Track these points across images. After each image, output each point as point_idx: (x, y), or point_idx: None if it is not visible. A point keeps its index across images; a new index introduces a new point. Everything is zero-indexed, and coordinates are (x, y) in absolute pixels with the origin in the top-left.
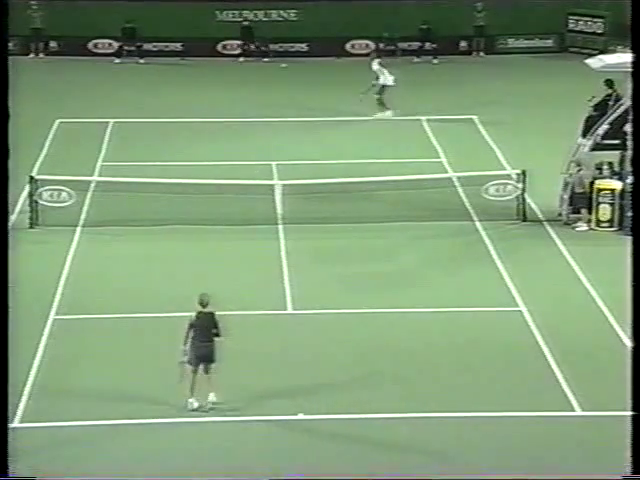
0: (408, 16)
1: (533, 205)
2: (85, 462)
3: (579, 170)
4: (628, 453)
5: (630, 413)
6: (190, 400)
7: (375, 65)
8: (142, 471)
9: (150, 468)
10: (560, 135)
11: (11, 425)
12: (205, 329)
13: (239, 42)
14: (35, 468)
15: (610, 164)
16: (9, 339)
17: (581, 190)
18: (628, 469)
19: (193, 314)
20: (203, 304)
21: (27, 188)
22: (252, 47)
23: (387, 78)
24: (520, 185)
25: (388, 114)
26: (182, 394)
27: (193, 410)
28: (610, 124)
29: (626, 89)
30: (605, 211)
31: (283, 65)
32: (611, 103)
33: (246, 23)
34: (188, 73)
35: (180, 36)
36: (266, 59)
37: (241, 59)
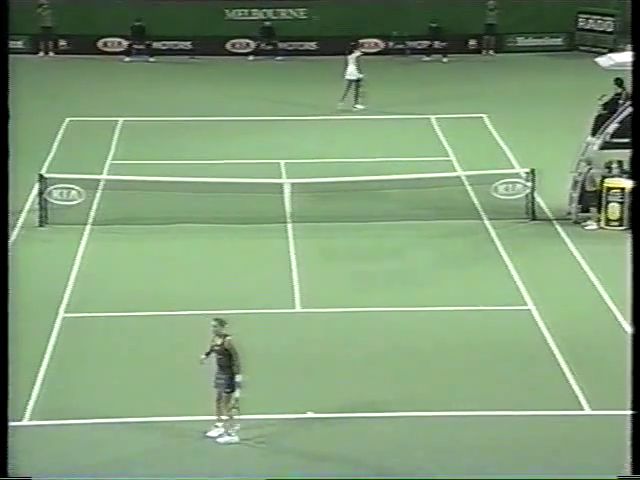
0: (417, 14)
1: (542, 204)
2: (93, 460)
3: (590, 169)
4: (628, 452)
5: (631, 412)
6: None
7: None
8: (148, 470)
9: (154, 467)
10: (569, 134)
11: (20, 423)
12: None
13: (256, 41)
14: (42, 466)
15: (620, 163)
16: (17, 336)
17: (592, 189)
18: (628, 469)
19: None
20: (225, 325)
21: (37, 186)
22: (270, 46)
23: (351, 72)
24: (529, 184)
25: (340, 105)
26: (191, 392)
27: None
28: (620, 122)
29: None
30: (614, 210)
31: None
32: (621, 102)
33: (268, 23)
34: (197, 71)
35: (189, 34)
36: (279, 58)
37: (250, 57)
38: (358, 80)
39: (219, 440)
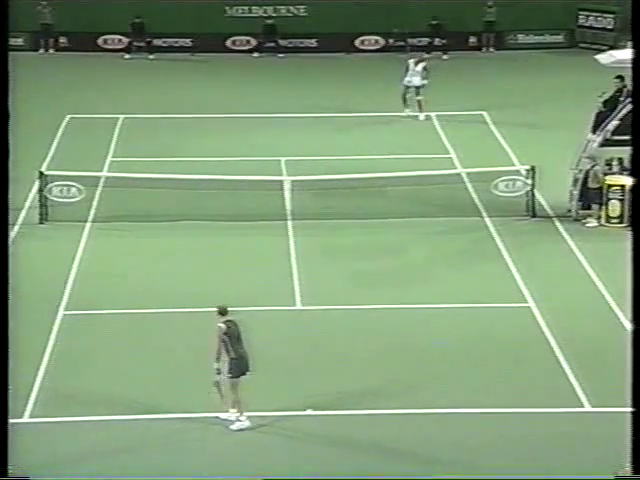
0: (418, 12)
1: (542, 201)
2: (93, 457)
3: (594, 166)
4: (627, 449)
5: (631, 409)
6: (242, 419)
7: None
8: (149, 467)
9: (157, 465)
10: (570, 131)
11: (20, 420)
12: (239, 337)
13: (258, 38)
14: (42, 463)
15: (620, 160)
16: (18, 334)
17: (596, 185)
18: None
19: (222, 325)
20: (224, 312)
21: (37, 184)
22: (272, 44)
23: (411, 79)
24: (529, 181)
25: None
26: (190, 388)
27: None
28: (620, 120)
29: None
30: (615, 207)
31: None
32: (621, 99)
33: (270, 21)
34: (198, 69)
35: (189, 32)
36: (281, 54)
37: (255, 54)
38: (419, 87)
39: (231, 427)
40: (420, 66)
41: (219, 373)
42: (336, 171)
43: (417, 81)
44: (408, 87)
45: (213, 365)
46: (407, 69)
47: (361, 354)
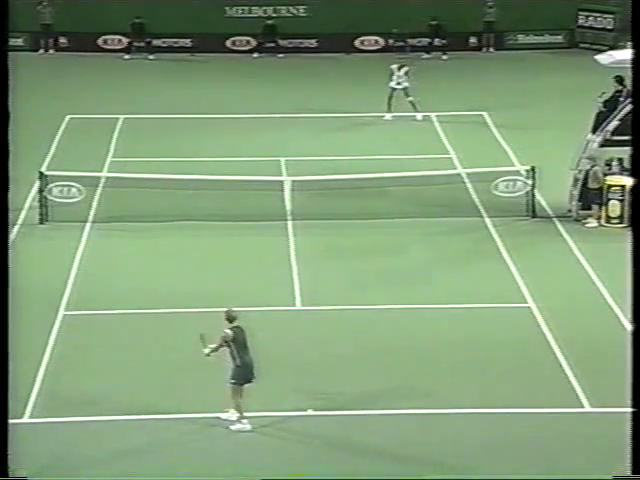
0: (417, 12)
1: (542, 201)
2: (93, 456)
3: (593, 166)
4: (627, 450)
5: (631, 409)
6: (244, 422)
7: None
8: (150, 468)
9: (157, 466)
10: (570, 131)
11: (20, 421)
12: (245, 344)
13: (258, 39)
14: (42, 463)
15: (620, 160)
16: (18, 334)
17: (596, 186)
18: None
19: (228, 332)
20: (231, 319)
21: (37, 184)
22: (272, 44)
23: (399, 83)
24: (529, 181)
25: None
26: (190, 389)
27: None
28: (620, 120)
29: None
30: (615, 207)
31: None
32: (621, 99)
33: (270, 22)
34: (198, 69)
35: (189, 32)
36: (281, 55)
37: (255, 54)
38: (406, 89)
39: (232, 427)
40: (402, 71)
41: (207, 355)
42: (336, 171)
43: (403, 83)
44: (395, 89)
45: (205, 350)
46: (392, 74)
47: (361, 354)
